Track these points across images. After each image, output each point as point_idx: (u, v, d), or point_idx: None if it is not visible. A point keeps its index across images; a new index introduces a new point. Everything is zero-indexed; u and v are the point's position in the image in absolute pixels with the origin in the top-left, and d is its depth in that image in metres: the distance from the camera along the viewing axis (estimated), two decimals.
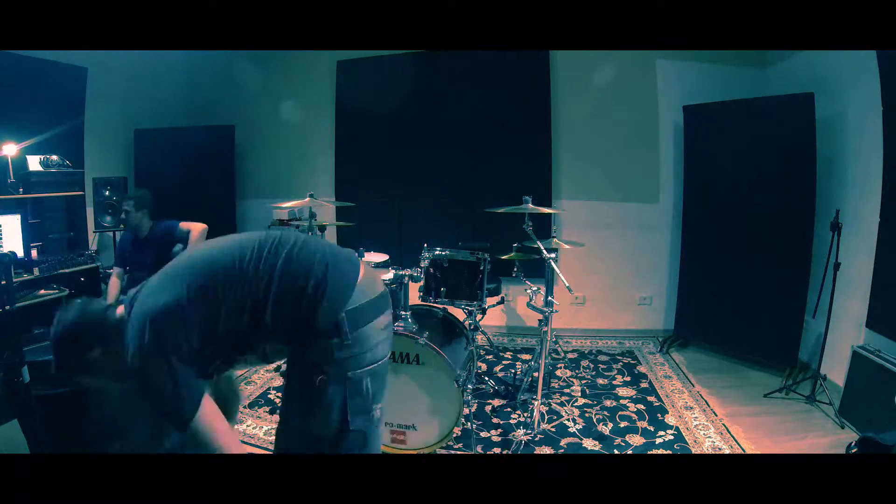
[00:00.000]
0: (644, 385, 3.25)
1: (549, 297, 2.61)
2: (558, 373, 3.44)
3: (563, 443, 2.57)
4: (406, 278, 2.60)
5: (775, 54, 3.68)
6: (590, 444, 2.55)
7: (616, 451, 2.49)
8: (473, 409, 2.89)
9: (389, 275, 2.79)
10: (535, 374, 2.79)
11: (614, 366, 3.59)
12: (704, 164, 3.67)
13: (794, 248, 3.18)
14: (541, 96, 4.04)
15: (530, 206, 2.57)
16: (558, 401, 3.02)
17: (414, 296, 2.73)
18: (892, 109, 2.62)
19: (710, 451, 2.47)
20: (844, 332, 2.94)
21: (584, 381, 3.30)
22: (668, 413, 2.87)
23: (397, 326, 2.39)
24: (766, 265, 3.32)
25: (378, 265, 2.80)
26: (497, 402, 3.00)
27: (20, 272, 3.14)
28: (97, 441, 1.65)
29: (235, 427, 2.77)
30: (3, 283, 1.76)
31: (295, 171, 4.80)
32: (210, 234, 4.72)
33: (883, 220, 2.68)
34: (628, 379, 3.35)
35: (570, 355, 3.77)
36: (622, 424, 2.74)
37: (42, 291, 3.09)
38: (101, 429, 1.63)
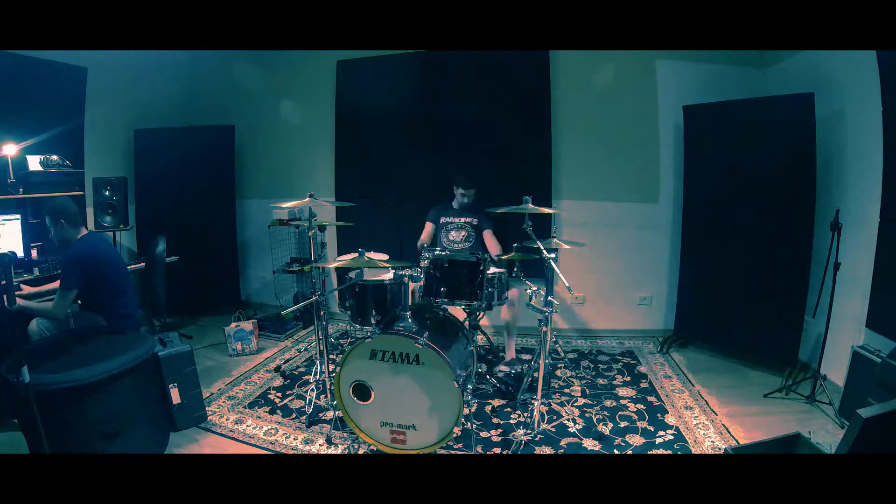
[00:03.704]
0: (644, 385, 3.25)
1: (549, 297, 2.61)
2: (558, 373, 3.44)
3: (563, 443, 2.57)
4: (406, 278, 2.60)
5: (775, 54, 3.68)
6: (590, 444, 2.55)
7: (616, 451, 2.50)
8: (473, 409, 2.89)
9: (389, 275, 2.79)
10: (535, 374, 2.79)
11: (614, 366, 3.59)
12: (704, 164, 3.67)
13: (794, 248, 3.18)
14: (541, 96, 4.04)
15: (530, 206, 2.56)
16: (558, 401, 3.02)
17: None
18: (892, 109, 2.62)
19: (710, 451, 2.47)
20: (844, 332, 2.94)
21: (584, 381, 3.30)
22: (668, 413, 2.87)
23: (398, 327, 2.39)
24: (766, 265, 3.32)
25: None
26: (497, 402, 3.00)
27: (20, 272, 3.14)
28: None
29: (237, 427, 2.77)
30: (3, 283, 1.75)
31: (295, 171, 4.81)
32: (211, 234, 4.73)
33: (883, 220, 2.68)
34: (628, 379, 3.35)
35: (570, 355, 3.77)
36: (622, 424, 2.74)
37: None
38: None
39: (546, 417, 2.81)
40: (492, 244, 3.51)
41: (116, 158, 4.47)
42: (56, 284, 2.73)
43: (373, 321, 2.77)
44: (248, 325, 3.87)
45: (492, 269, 2.88)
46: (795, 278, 3.17)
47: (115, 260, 2.89)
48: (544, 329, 2.56)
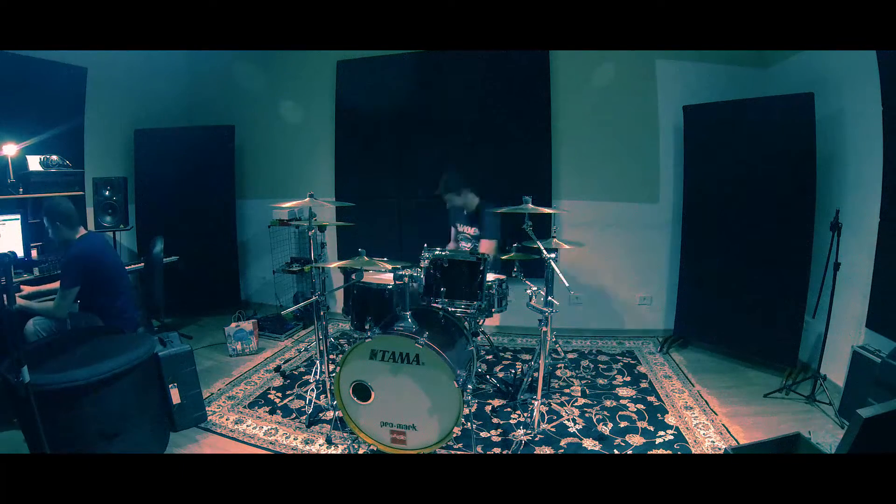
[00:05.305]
0: (644, 385, 3.25)
1: (549, 297, 2.61)
2: (558, 373, 3.44)
3: (563, 443, 2.57)
4: (406, 278, 2.60)
5: (775, 54, 3.68)
6: (590, 444, 2.55)
7: (616, 451, 2.50)
8: (473, 409, 2.89)
9: (389, 276, 2.79)
10: (535, 374, 2.79)
11: (614, 366, 3.59)
12: (704, 164, 3.67)
13: (794, 248, 3.18)
14: (541, 96, 4.04)
15: (530, 206, 2.57)
16: (558, 401, 3.02)
17: None
18: (892, 109, 2.62)
19: (710, 451, 2.47)
20: (844, 332, 2.94)
21: (584, 381, 3.30)
22: (668, 413, 2.87)
23: (398, 327, 2.39)
24: (766, 265, 3.32)
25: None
26: (497, 402, 3.00)
27: (20, 272, 3.14)
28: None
29: (236, 427, 2.77)
30: (3, 282, 1.75)
31: (295, 171, 4.81)
32: (212, 233, 4.73)
33: (883, 220, 2.68)
34: (628, 379, 3.35)
35: (570, 355, 3.77)
36: (622, 424, 2.74)
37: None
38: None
39: (546, 417, 2.81)
40: (484, 249, 3.34)
41: (116, 158, 4.47)
42: (56, 284, 2.74)
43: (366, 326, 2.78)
44: (248, 325, 3.87)
45: (491, 276, 2.87)
46: (795, 278, 3.17)
47: (112, 260, 2.90)
48: (544, 329, 2.56)
